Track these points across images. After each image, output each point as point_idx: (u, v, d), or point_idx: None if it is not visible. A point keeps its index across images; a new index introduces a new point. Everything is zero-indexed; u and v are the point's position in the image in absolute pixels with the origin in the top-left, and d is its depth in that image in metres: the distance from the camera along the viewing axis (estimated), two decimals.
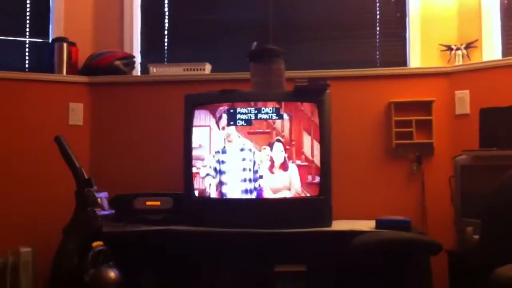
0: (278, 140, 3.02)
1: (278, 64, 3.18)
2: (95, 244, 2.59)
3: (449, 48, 3.48)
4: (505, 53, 3.42)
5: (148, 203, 3.12)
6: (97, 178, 2.93)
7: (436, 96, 3.39)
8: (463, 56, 3.45)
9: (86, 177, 2.77)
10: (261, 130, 3.05)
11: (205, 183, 3.07)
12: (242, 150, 3.05)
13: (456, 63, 3.44)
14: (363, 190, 3.39)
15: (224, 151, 3.07)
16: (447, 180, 3.13)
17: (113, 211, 2.85)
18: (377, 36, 3.70)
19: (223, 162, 3.06)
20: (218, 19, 3.82)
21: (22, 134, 3.40)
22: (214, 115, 3.10)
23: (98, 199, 2.72)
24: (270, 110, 3.06)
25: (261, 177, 3.02)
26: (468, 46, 3.44)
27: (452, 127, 3.37)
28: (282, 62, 3.20)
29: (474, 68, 3.35)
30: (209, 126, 3.09)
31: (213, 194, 3.05)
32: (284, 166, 3.01)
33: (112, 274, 2.58)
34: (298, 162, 3.00)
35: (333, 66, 3.54)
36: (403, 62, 3.63)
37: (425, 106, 3.39)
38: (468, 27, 3.50)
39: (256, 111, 3.07)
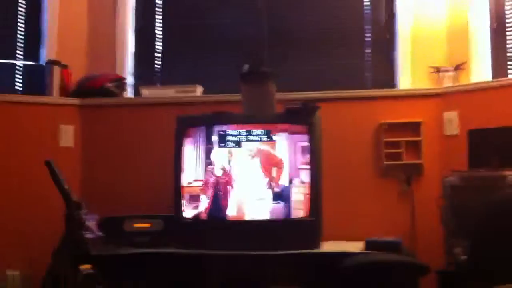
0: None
1: (269, 86, 3.21)
2: (83, 267, 2.57)
3: (438, 70, 3.51)
4: (494, 74, 3.44)
5: (136, 225, 3.12)
6: (88, 200, 2.92)
7: (425, 117, 3.42)
8: (453, 78, 3.47)
9: (76, 200, 2.76)
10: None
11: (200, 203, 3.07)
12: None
13: (445, 85, 3.47)
14: (353, 210, 3.39)
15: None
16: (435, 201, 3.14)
17: (101, 234, 2.84)
18: (367, 57, 3.73)
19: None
20: (210, 40, 3.84)
21: (12, 156, 3.40)
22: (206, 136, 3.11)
23: (87, 222, 2.71)
24: (261, 132, 3.07)
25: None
26: (457, 68, 3.47)
27: (441, 148, 3.39)
28: (273, 84, 3.22)
29: (463, 90, 3.38)
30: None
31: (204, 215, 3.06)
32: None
33: None
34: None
35: (324, 85, 3.57)
36: (393, 83, 3.65)
37: (414, 127, 3.41)
38: (457, 49, 3.53)
39: (246, 133, 3.08)
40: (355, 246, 2.98)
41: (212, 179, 3.07)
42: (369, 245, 2.95)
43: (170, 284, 2.97)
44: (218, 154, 3.09)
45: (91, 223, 2.78)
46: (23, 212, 3.36)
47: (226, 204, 3.05)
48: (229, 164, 3.07)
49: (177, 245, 3.01)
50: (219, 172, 3.07)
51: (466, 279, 2.36)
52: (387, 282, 2.59)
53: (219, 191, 3.06)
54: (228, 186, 3.06)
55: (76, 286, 2.58)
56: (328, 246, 3.01)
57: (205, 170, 3.09)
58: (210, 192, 3.07)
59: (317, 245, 2.97)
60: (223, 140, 3.09)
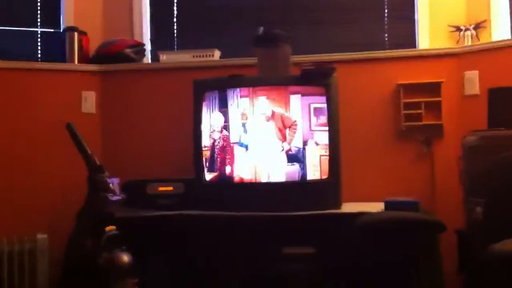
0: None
1: (284, 49, 3.21)
2: (108, 228, 2.64)
3: (458, 29, 3.47)
4: None
5: (160, 188, 3.17)
6: (109, 165, 2.98)
7: (445, 77, 3.38)
8: (472, 37, 3.43)
9: (98, 163, 2.82)
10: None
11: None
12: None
13: (465, 44, 3.43)
14: (372, 173, 3.40)
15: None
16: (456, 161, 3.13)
17: (125, 197, 2.89)
18: (386, 18, 3.69)
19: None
20: (226, 4, 3.83)
21: (36, 123, 3.46)
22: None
23: (110, 185, 2.77)
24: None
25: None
26: (477, 27, 3.42)
27: (461, 108, 3.37)
28: (288, 46, 3.21)
29: (483, 49, 3.34)
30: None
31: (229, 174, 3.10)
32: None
33: (125, 258, 2.63)
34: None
35: (341, 49, 3.54)
36: (412, 44, 3.61)
37: (434, 88, 3.38)
38: (476, 8, 3.47)
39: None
40: (375, 207, 2.99)
41: (220, 142, 3.10)
42: (388, 205, 2.97)
43: (191, 247, 3.03)
44: (232, 117, 3.11)
45: (114, 186, 2.83)
46: (49, 177, 3.42)
47: (237, 166, 3.10)
48: (244, 127, 3.10)
49: (198, 207, 3.06)
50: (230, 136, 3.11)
51: (484, 237, 2.38)
52: (406, 239, 2.62)
53: (228, 154, 3.10)
54: (237, 149, 3.09)
55: (100, 247, 2.65)
56: (348, 207, 3.03)
57: (220, 133, 3.13)
58: (221, 155, 3.11)
59: (337, 206, 3.00)
60: (236, 103, 3.11)
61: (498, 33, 3.40)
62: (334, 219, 2.94)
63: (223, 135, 3.13)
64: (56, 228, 3.23)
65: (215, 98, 3.16)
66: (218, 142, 3.13)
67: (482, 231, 2.39)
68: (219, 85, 3.18)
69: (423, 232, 2.66)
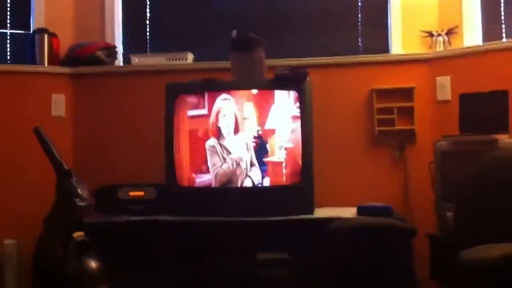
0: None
1: (258, 53, 3.19)
2: (76, 234, 2.59)
3: (430, 34, 3.49)
4: (485, 38, 3.42)
5: (131, 193, 3.13)
6: (80, 170, 2.94)
7: (417, 83, 3.41)
8: (444, 42, 3.46)
9: (66, 168, 2.77)
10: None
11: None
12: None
13: (437, 49, 3.45)
14: (346, 177, 3.40)
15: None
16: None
17: (93, 202, 2.85)
18: (359, 24, 3.70)
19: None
20: (200, 8, 3.81)
21: (4, 126, 3.39)
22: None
23: (78, 190, 2.72)
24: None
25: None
26: (449, 32, 3.45)
27: (434, 113, 3.39)
28: (262, 50, 3.20)
29: (455, 54, 3.37)
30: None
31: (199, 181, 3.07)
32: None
33: (93, 264, 2.59)
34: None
35: (315, 54, 3.54)
36: (385, 49, 3.63)
37: (407, 93, 3.40)
38: (449, 13, 3.50)
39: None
40: (348, 212, 3.00)
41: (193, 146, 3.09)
42: (361, 211, 2.97)
43: (162, 252, 2.99)
44: (205, 120, 3.09)
45: (84, 191, 2.77)
46: (16, 182, 3.36)
47: (210, 170, 3.08)
48: (218, 131, 3.08)
49: (169, 212, 3.03)
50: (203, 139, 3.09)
51: (455, 243, 2.39)
52: (378, 244, 2.61)
53: (200, 158, 3.08)
54: (216, 152, 3.07)
55: (68, 253, 2.60)
56: (321, 213, 3.03)
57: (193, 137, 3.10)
58: (194, 159, 3.09)
59: (310, 211, 2.99)
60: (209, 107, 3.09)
61: (470, 39, 3.43)
62: (307, 224, 2.93)
63: (195, 139, 3.10)
64: (23, 234, 3.16)
65: (188, 102, 3.12)
66: (190, 146, 3.10)
67: (453, 237, 2.39)
68: (192, 89, 3.15)
69: (394, 237, 2.66)
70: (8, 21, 3.66)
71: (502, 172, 2.40)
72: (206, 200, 3.04)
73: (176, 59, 3.58)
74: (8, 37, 3.66)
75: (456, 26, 3.44)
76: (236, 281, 2.91)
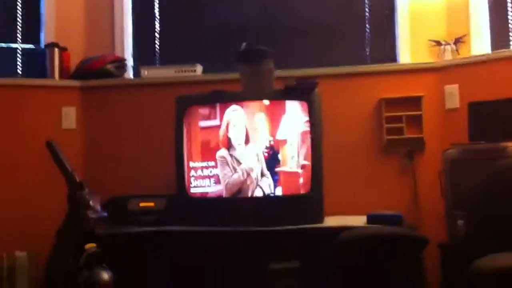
0: None
1: (267, 65, 3.21)
2: (88, 246, 2.60)
3: (438, 44, 3.50)
4: (493, 47, 3.43)
5: (141, 204, 3.15)
6: (91, 181, 2.94)
7: (426, 91, 3.41)
8: (452, 51, 3.46)
9: (78, 180, 2.79)
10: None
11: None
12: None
13: (445, 58, 3.46)
14: (355, 186, 3.40)
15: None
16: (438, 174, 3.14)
17: (106, 214, 2.86)
18: (367, 33, 3.72)
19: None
20: (209, 20, 3.84)
21: (15, 139, 3.42)
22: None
23: (90, 202, 2.73)
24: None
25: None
26: (457, 41, 3.46)
27: (442, 122, 3.39)
28: (271, 62, 3.22)
29: (463, 63, 3.37)
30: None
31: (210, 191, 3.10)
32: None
33: (105, 275, 2.59)
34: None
35: (323, 64, 3.55)
36: (393, 58, 3.64)
37: (415, 102, 3.40)
38: (456, 22, 3.51)
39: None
40: (357, 221, 3.00)
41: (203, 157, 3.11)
42: (371, 219, 2.97)
43: (174, 263, 3.00)
44: (215, 132, 3.11)
45: (95, 203, 2.79)
46: (28, 194, 3.37)
47: (220, 180, 3.09)
48: (229, 141, 3.09)
49: (180, 223, 3.04)
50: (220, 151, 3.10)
51: (466, 252, 2.38)
52: (388, 254, 2.61)
53: (211, 168, 3.10)
54: (227, 163, 3.08)
55: (80, 264, 2.61)
56: (330, 221, 3.03)
57: (205, 148, 3.12)
58: (205, 170, 3.11)
59: (320, 220, 2.99)
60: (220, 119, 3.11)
61: (478, 47, 3.43)
62: (317, 233, 2.93)
63: (207, 150, 3.11)
64: (35, 246, 3.18)
65: (199, 113, 3.14)
66: (201, 157, 3.12)
67: (464, 245, 2.39)
68: (202, 101, 3.17)
69: (406, 247, 2.66)
70: (19, 35, 3.70)
71: None
72: (217, 210, 3.05)
73: (185, 71, 3.61)
74: (19, 51, 3.69)
75: (464, 35, 3.45)
76: None
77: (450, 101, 3.37)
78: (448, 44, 3.48)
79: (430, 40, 3.53)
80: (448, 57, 3.46)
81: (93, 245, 2.61)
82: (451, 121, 3.34)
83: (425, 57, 3.54)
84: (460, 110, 3.27)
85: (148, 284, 2.98)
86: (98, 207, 2.79)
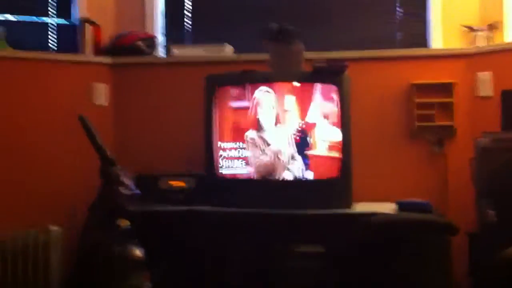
0: None
1: (296, 45, 3.20)
2: (121, 222, 2.64)
3: (471, 29, 3.45)
4: None
5: (171, 182, 3.17)
6: (121, 158, 2.98)
7: (457, 78, 3.38)
8: (484, 37, 3.42)
9: (110, 156, 2.81)
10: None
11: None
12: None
13: (478, 45, 3.41)
14: (383, 172, 3.39)
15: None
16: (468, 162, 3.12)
17: (139, 191, 2.88)
18: (397, 16, 3.68)
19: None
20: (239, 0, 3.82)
21: (47, 114, 3.43)
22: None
23: (123, 178, 2.76)
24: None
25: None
26: (490, 27, 3.41)
27: (473, 109, 3.35)
28: (301, 43, 3.20)
29: (496, 50, 3.33)
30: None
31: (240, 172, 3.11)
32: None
33: (138, 252, 2.64)
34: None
35: (352, 47, 3.52)
36: (423, 43, 3.60)
37: (447, 88, 3.37)
38: (490, 8, 3.46)
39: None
40: (386, 207, 3.00)
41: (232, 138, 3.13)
42: (400, 206, 2.97)
43: (201, 242, 3.03)
44: (245, 113, 3.12)
45: (128, 180, 2.82)
46: (61, 168, 3.39)
47: (249, 162, 3.11)
48: (258, 123, 3.10)
49: (208, 203, 3.07)
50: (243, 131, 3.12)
51: (497, 241, 2.38)
52: (417, 241, 2.62)
53: (240, 150, 3.11)
54: (256, 144, 3.09)
55: (112, 240, 2.65)
56: (359, 207, 3.04)
57: (234, 129, 3.14)
58: (233, 151, 3.12)
59: (348, 205, 3.00)
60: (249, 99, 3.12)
61: (511, 34, 3.38)
62: (345, 219, 2.94)
63: (237, 130, 3.13)
64: (70, 220, 3.20)
65: (230, 93, 3.15)
66: (232, 137, 3.13)
67: (495, 234, 2.39)
68: (232, 81, 3.17)
69: (435, 234, 2.67)
70: (51, 9, 3.71)
71: None
72: (246, 192, 3.07)
73: (215, 50, 3.60)
74: (51, 25, 3.71)
75: (498, 22, 3.40)
76: (272, 272, 2.94)
77: (483, 88, 3.33)
78: (481, 30, 3.43)
79: (463, 25, 3.48)
80: (480, 43, 3.41)
81: (127, 221, 2.65)
82: (482, 109, 3.31)
83: (457, 43, 3.50)
84: (493, 98, 3.24)
85: (176, 262, 3.02)
86: (131, 184, 2.82)
